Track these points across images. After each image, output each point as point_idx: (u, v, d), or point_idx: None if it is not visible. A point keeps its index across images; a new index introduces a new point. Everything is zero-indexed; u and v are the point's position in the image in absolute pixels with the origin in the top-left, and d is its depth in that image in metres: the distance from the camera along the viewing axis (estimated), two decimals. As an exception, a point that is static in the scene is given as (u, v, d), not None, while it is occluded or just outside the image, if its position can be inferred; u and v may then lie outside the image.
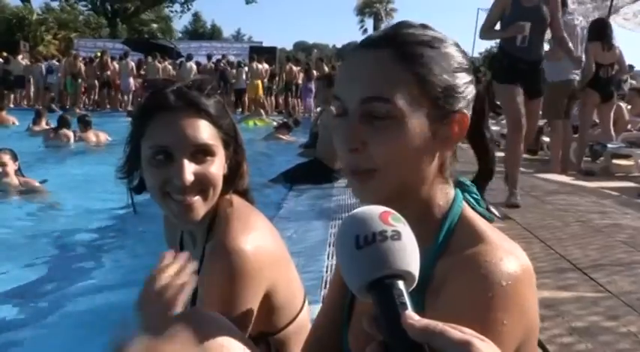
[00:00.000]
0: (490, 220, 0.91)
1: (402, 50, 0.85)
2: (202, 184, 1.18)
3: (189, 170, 1.16)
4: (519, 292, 0.77)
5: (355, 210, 0.64)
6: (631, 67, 11.53)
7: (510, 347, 0.76)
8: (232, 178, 1.28)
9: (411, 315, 0.56)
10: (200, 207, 1.19)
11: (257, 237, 1.18)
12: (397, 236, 0.60)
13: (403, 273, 0.59)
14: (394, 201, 0.82)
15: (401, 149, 0.84)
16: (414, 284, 0.60)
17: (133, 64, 18.08)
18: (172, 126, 1.17)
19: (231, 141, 1.26)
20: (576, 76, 6.21)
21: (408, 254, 0.60)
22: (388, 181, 0.85)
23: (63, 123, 9.12)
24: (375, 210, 0.62)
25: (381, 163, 0.84)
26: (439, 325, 0.54)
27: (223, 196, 1.26)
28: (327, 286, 1.21)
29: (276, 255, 1.23)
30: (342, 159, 0.87)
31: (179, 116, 1.18)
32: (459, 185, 0.94)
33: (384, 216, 0.61)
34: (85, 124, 9.24)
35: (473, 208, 0.92)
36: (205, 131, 1.19)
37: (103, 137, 9.20)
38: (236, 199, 1.28)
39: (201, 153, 1.19)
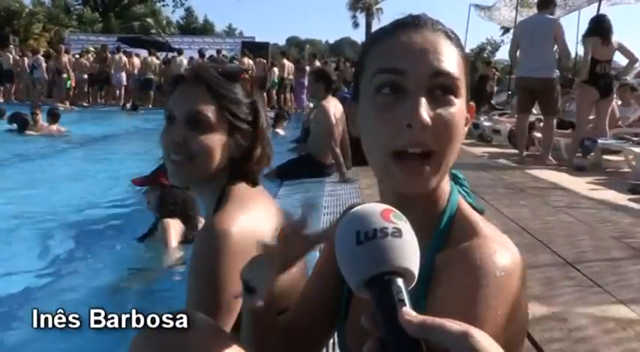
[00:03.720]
0: (481, 212, 0.91)
1: (448, 32, 0.85)
2: (190, 151, 1.26)
3: (180, 132, 1.25)
4: (512, 283, 0.78)
5: (356, 207, 0.63)
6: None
7: (504, 337, 0.76)
8: (242, 161, 1.32)
9: (409, 312, 0.56)
10: (181, 171, 1.28)
11: (249, 220, 1.19)
12: (398, 233, 0.60)
13: (402, 271, 0.59)
14: (428, 193, 0.83)
15: (457, 130, 0.82)
16: (414, 283, 0.60)
17: (125, 58, 18.00)
18: (181, 94, 1.31)
19: (242, 125, 1.31)
20: (534, 73, 6.36)
21: (408, 251, 0.60)
22: (442, 167, 0.82)
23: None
24: (376, 207, 0.62)
25: (442, 143, 0.80)
26: (436, 320, 0.54)
27: (232, 179, 1.31)
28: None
29: (270, 239, 1.22)
30: (390, 137, 0.80)
31: (189, 86, 1.31)
32: (451, 177, 0.94)
33: (386, 214, 0.61)
34: (53, 117, 9.52)
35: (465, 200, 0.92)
36: (201, 102, 1.27)
37: (63, 130, 9.67)
38: (241, 183, 1.32)
39: (194, 122, 1.26)
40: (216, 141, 1.27)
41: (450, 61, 0.82)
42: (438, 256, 0.83)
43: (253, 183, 1.34)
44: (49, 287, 2.88)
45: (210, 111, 1.27)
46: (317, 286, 1.10)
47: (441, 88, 0.81)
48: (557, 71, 6.62)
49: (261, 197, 1.33)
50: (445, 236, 0.85)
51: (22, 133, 9.11)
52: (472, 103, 0.89)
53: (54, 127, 9.52)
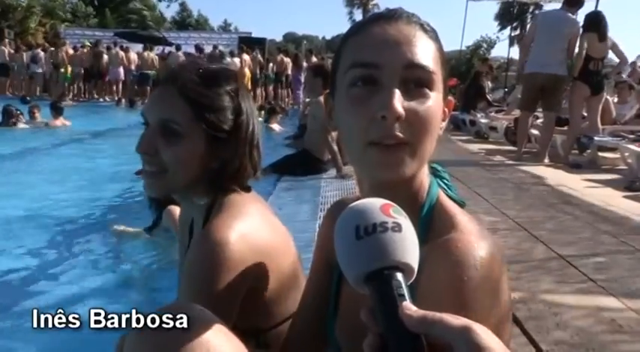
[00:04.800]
0: (462, 205, 0.91)
1: (424, 25, 0.85)
2: (162, 163, 1.19)
3: (152, 143, 1.18)
4: (492, 274, 0.78)
5: (356, 202, 0.63)
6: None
7: (491, 327, 0.77)
8: (220, 172, 1.22)
9: (409, 306, 0.55)
10: (155, 182, 1.21)
11: (244, 227, 1.14)
12: (398, 228, 0.59)
13: (402, 265, 0.59)
14: (405, 184, 0.83)
15: (432, 122, 0.82)
16: (413, 277, 0.60)
17: (122, 53, 17.95)
18: (155, 98, 1.23)
19: (220, 135, 1.21)
20: (546, 68, 6.29)
21: (408, 246, 0.59)
22: (418, 156, 0.82)
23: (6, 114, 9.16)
24: (376, 201, 0.62)
25: (417, 135, 0.80)
26: (437, 315, 0.54)
27: (220, 189, 1.23)
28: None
29: (268, 246, 1.18)
30: (365, 129, 0.80)
31: (163, 89, 1.22)
32: (431, 170, 0.94)
33: (385, 208, 0.61)
34: (56, 111, 9.51)
35: (445, 193, 0.92)
36: (174, 109, 1.18)
37: (68, 124, 9.70)
38: (234, 192, 1.24)
39: (166, 131, 1.18)
40: (190, 152, 1.19)
41: (425, 54, 0.82)
42: (420, 249, 0.84)
43: (244, 189, 1.27)
44: (49, 287, 2.86)
45: (183, 119, 1.17)
46: (313, 282, 1.11)
47: (415, 81, 0.81)
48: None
49: (254, 201, 1.26)
50: (426, 229, 0.85)
51: (9, 126, 8.99)
52: (450, 98, 0.89)
53: (58, 122, 9.48)
